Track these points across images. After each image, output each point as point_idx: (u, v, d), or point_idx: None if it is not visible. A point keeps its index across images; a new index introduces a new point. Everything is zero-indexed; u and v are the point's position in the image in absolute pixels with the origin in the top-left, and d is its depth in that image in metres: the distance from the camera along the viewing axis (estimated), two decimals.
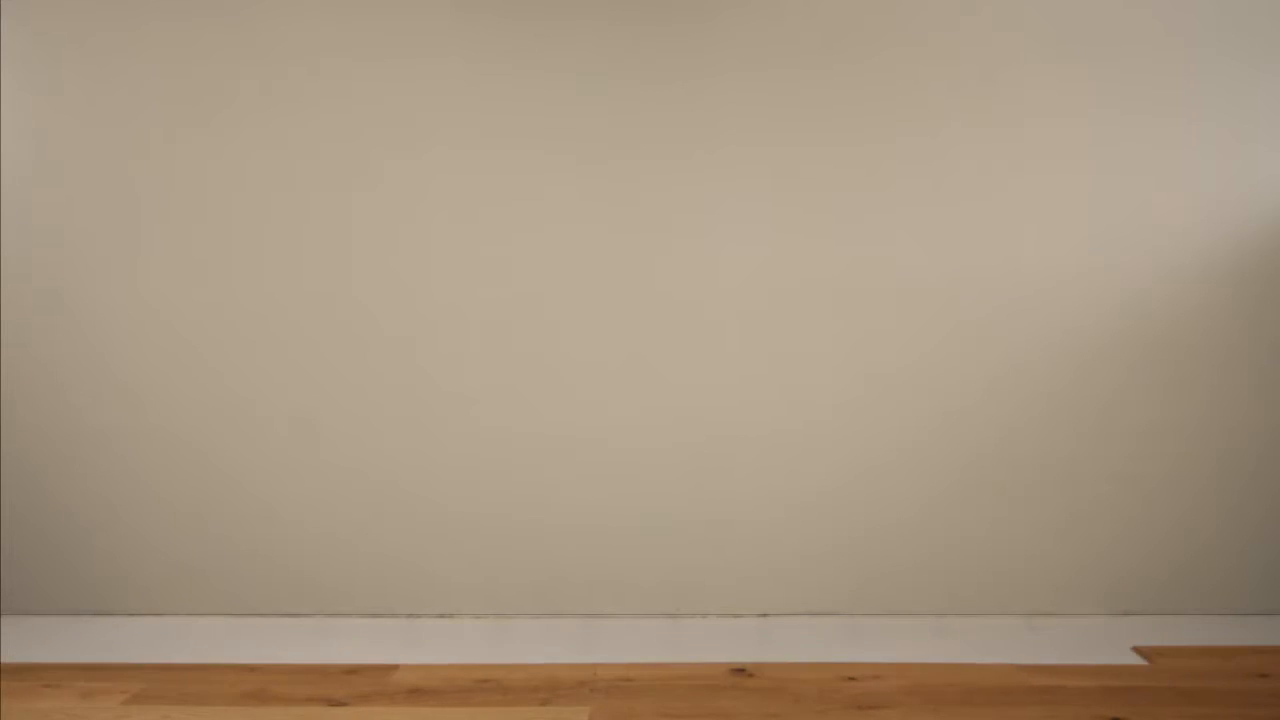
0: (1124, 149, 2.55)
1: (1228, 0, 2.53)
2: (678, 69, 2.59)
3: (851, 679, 2.14)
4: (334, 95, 2.61)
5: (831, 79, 2.58)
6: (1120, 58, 2.55)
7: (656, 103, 2.59)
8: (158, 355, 2.63)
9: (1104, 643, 2.36)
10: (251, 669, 2.23)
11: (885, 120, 2.57)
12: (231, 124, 2.62)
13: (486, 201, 2.60)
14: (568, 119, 2.59)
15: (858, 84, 2.58)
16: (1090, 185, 2.56)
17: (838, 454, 2.59)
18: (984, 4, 2.56)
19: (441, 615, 2.61)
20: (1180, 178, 2.55)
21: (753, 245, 2.58)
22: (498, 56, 2.60)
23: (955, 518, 2.58)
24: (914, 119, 2.57)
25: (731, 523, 2.60)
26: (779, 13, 2.58)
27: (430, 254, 2.61)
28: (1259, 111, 2.54)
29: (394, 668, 2.23)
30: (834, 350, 2.59)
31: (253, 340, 2.62)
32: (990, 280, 2.57)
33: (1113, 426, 2.57)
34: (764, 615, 2.59)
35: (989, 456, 2.58)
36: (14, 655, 2.34)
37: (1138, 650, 2.30)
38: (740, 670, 2.20)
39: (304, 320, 2.62)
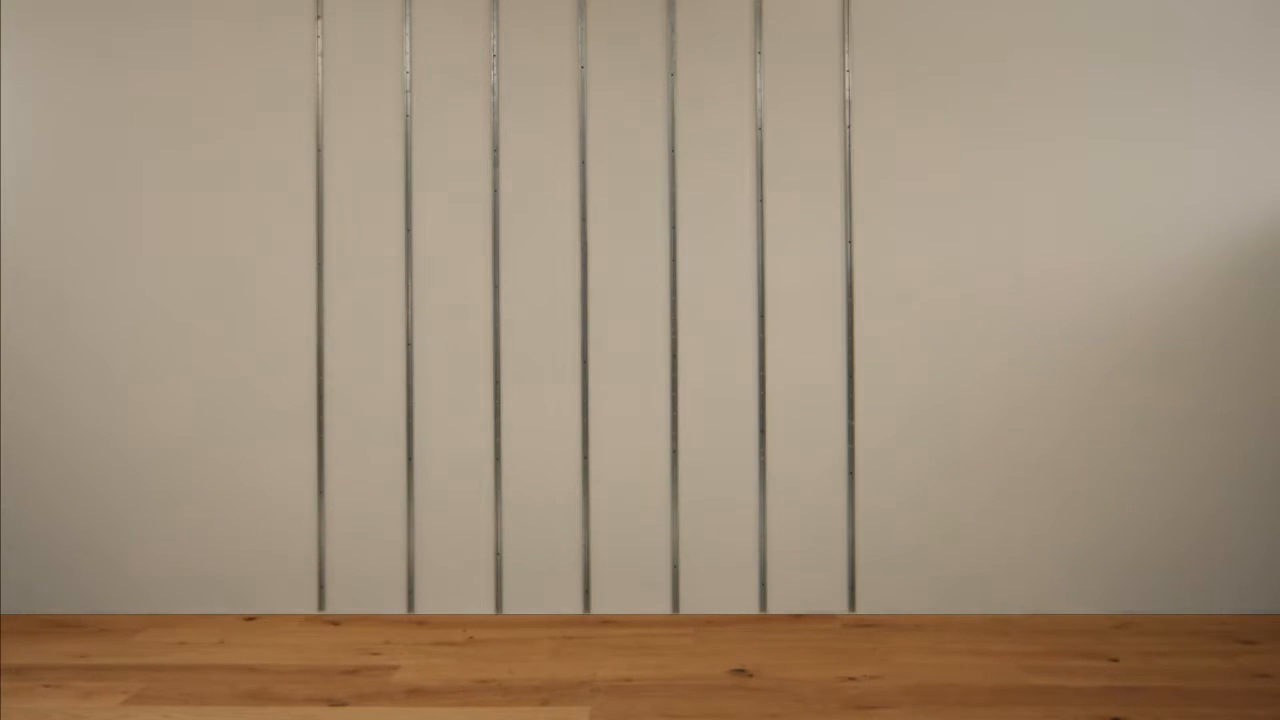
0: (1123, 149, 2.56)
1: (1230, 2, 2.54)
2: (679, 65, 2.59)
3: (851, 679, 2.14)
4: (339, 94, 2.61)
5: (831, 77, 2.58)
6: (1122, 57, 2.56)
7: (657, 102, 2.59)
8: (157, 354, 2.63)
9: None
10: (251, 669, 2.23)
11: (883, 121, 2.58)
12: (234, 123, 2.62)
13: (490, 202, 2.61)
14: (577, 117, 2.60)
15: (860, 83, 2.58)
16: (1084, 183, 2.57)
17: (831, 451, 2.59)
18: (988, 4, 2.57)
19: (442, 614, 2.61)
20: (1175, 175, 2.55)
21: (746, 248, 2.59)
22: (511, 42, 2.61)
23: (955, 517, 2.59)
24: (912, 118, 2.58)
25: (731, 521, 2.60)
26: (800, 8, 2.59)
27: (436, 252, 2.61)
28: (1259, 112, 2.54)
29: (394, 668, 2.23)
30: (828, 349, 2.59)
31: (252, 339, 2.62)
32: (985, 279, 2.57)
33: (1108, 423, 2.57)
34: (764, 615, 2.59)
35: (986, 456, 2.58)
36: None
37: (1137, 649, 2.30)
38: (740, 670, 2.20)
39: (303, 319, 2.62)
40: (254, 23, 2.62)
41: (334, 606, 2.63)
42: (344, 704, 2.03)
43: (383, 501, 2.62)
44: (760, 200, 2.59)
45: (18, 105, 2.62)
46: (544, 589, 2.61)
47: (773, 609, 2.60)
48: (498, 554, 2.62)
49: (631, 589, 2.61)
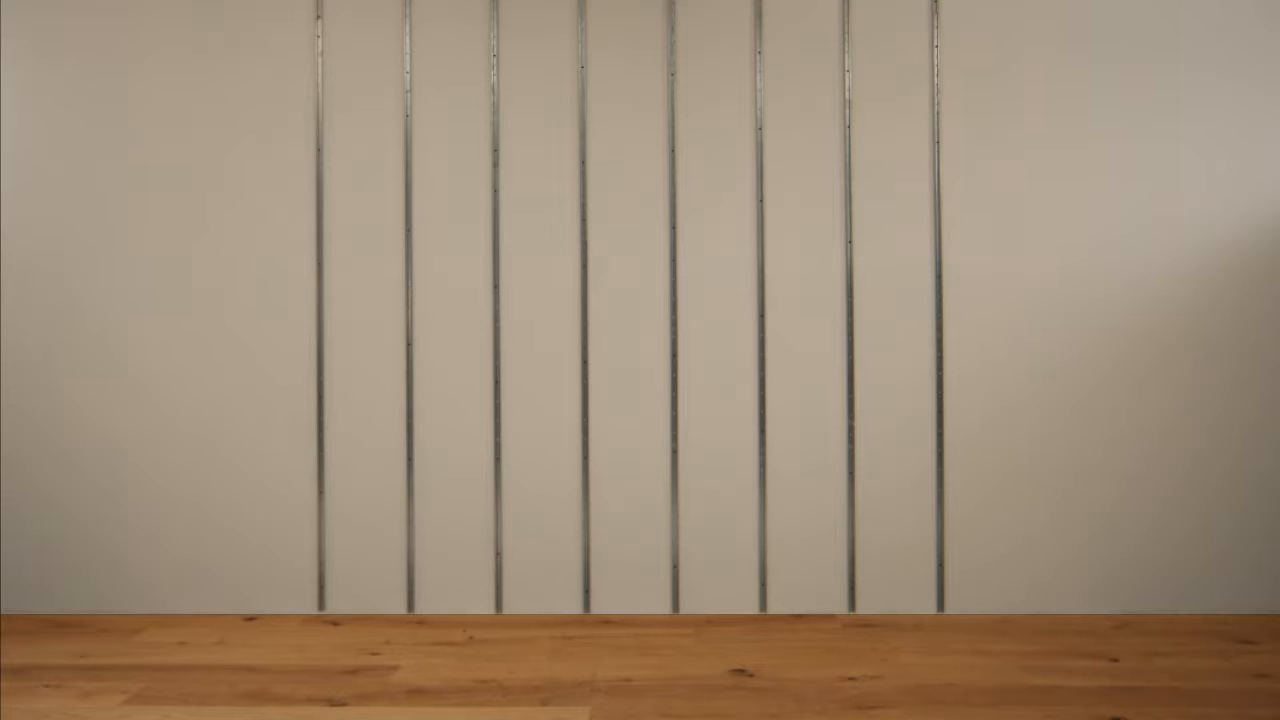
0: (1123, 148, 2.56)
1: (1228, 4, 2.54)
2: (679, 66, 2.60)
3: (851, 679, 2.14)
4: (339, 94, 2.61)
5: (831, 77, 2.58)
6: (1123, 57, 2.56)
7: (657, 103, 2.59)
8: (158, 353, 2.63)
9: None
10: (251, 669, 2.23)
11: (883, 120, 2.58)
12: (234, 123, 2.62)
13: (490, 202, 2.61)
14: (577, 118, 2.60)
15: (860, 83, 2.58)
16: (1083, 181, 2.57)
17: (831, 451, 2.59)
18: (989, 4, 2.57)
19: (442, 614, 2.61)
20: (1176, 175, 2.55)
21: (746, 248, 2.59)
22: (512, 35, 2.61)
23: (955, 518, 2.59)
24: (911, 118, 2.58)
25: (731, 521, 2.60)
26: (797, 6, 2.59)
27: (436, 253, 2.61)
28: (1256, 113, 2.54)
29: (394, 668, 2.23)
30: (827, 348, 2.59)
31: (252, 339, 2.62)
32: (985, 278, 2.57)
33: (1109, 423, 2.57)
34: (764, 615, 2.59)
35: (986, 457, 2.58)
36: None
37: (1137, 649, 2.31)
38: (740, 670, 2.20)
39: (303, 319, 2.62)
40: (254, 23, 2.62)
41: (334, 606, 2.63)
42: (344, 704, 2.03)
43: (383, 501, 2.62)
44: (760, 200, 2.59)
45: (18, 105, 2.62)
46: (544, 589, 2.61)
47: (773, 609, 2.60)
48: (498, 554, 2.62)
49: (631, 589, 2.61)
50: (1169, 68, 2.55)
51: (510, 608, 2.62)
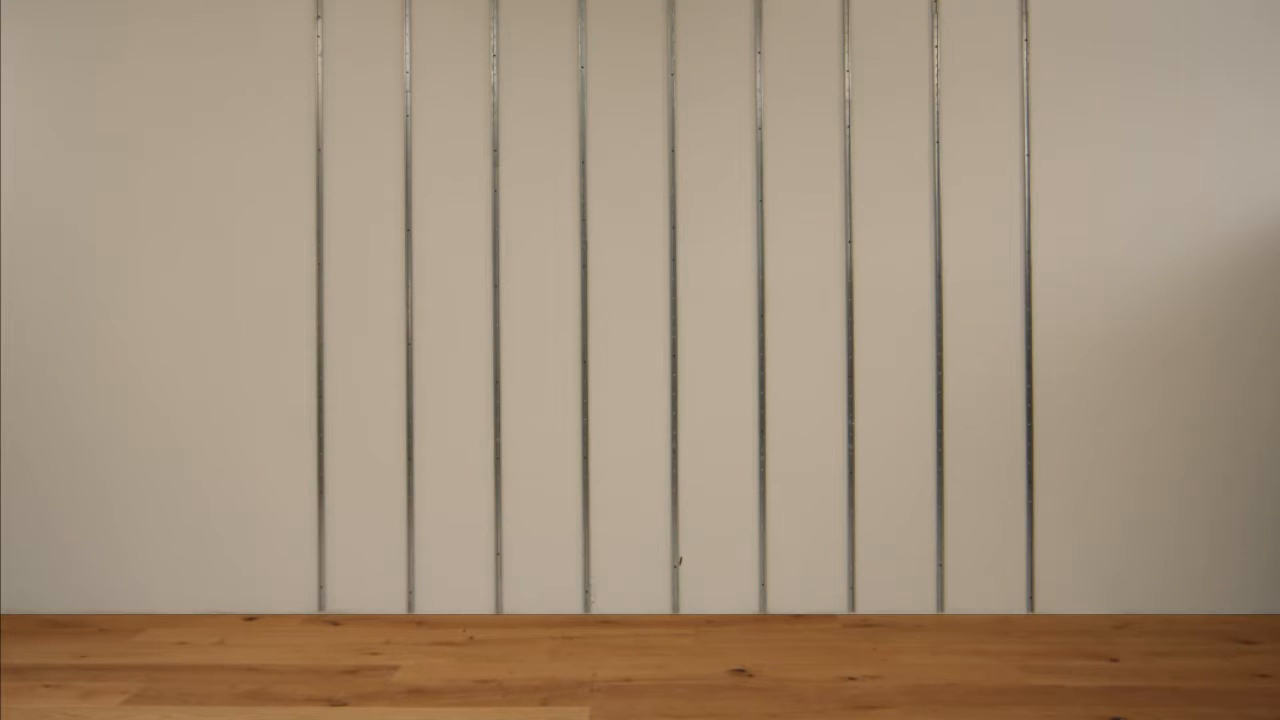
0: (1125, 149, 2.56)
1: (1227, 5, 2.54)
2: (679, 65, 2.60)
3: (851, 679, 2.14)
4: (339, 94, 2.61)
5: (831, 76, 2.58)
6: (1123, 59, 2.56)
7: (657, 102, 2.59)
8: (157, 354, 2.63)
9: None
10: (251, 669, 2.23)
11: (883, 120, 2.58)
12: (235, 123, 2.62)
13: (490, 201, 2.61)
14: (577, 117, 2.60)
15: (860, 82, 2.58)
16: (1088, 186, 2.57)
17: (831, 451, 2.59)
18: (989, 5, 2.57)
19: (442, 614, 2.61)
20: (1180, 179, 2.55)
21: (746, 248, 2.59)
22: (507, 50, 2.61)
23: (955, 517, 2.59)
24: (911, 119, 2.58)
25: (731, 520, 2.60)
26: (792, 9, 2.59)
27: (436, 252, 2.61)
28: (1256, 114, 2.54)
29: (394, 668, 2.23)
30: (828, 348, 2.59)
31: (252, 339, 2.62)
32: (987, 278, 2.57)
33: (1110, 424, 2.57)
34: (764, 615, 2.59)
35: (986, 457, 2.58)
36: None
37: (1137, 649, 2.31)
38: (740, 670, 2.20)
39: (303, 319, 2.62)
40: (254, 23, 2.62)
41: (334, 606, 2.63)
42: (344, 704, 2.03)
43: (383, 501, 2.62)
44: (760, 200, 2.59)
45: (19, 106, 2.62)
46: (544, 589, 2.61)
47: (773, 609, 2.60)
48: (498, 554, 2.62)
49: (631, 589, 2.61)
50: (1170, 68, 2.55)
51: (510, 608, 2.62)
